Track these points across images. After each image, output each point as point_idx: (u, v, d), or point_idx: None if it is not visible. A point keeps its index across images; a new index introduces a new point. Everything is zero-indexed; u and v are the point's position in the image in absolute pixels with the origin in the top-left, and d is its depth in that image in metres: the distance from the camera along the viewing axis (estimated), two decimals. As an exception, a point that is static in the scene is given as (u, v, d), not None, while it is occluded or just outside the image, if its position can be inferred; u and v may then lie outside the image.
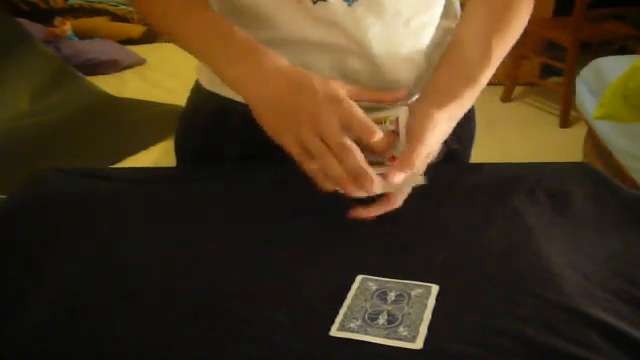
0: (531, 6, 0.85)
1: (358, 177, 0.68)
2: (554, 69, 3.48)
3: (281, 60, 0.74)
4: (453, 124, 0.78)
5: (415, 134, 0.72)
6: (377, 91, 0.78)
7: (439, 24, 0.87)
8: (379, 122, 0.73)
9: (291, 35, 0.81)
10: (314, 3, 0.78)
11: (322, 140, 0.68)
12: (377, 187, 0.69)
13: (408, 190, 0.77)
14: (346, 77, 0.83)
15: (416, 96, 0.87)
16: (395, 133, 0.73)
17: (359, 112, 0.69)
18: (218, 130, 0.93)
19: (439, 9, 0.87)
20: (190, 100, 0.99)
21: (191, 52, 0.81)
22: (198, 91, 0.96)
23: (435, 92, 0.78)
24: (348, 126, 0.68)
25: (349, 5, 0.79)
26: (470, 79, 0.79)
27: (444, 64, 0.82)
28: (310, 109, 0.69)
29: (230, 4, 0.82)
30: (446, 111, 0.75)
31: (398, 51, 0.84)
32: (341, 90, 0.71)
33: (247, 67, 0.74)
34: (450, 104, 0.76)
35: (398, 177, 0.69)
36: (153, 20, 0.84)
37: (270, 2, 0.80)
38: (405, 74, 0.86)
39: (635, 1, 3.28)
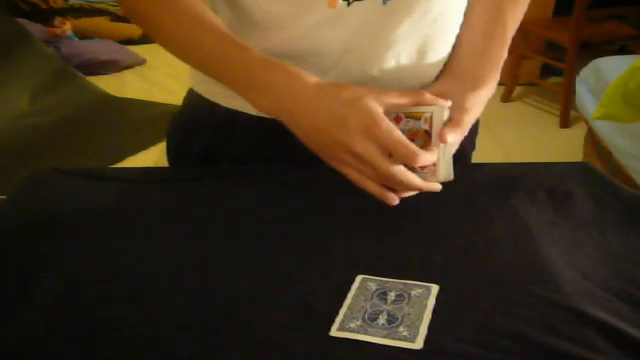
0: None
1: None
2: (554, 69, 3.48)
3: (306, 78, 0.71)
4: (482, 108, 0.79)
5: (459, 109, 0.73)
6: (415, 93, 0.74)
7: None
8: (415, 117, 0.72)
9: (307, 45, 0.80)
10: (349, 4, 0.77)
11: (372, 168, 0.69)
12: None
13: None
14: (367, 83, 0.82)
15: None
16: (427, 134, 0.72)
17: (397, 135, 0.68)
18: (220, 137, 0.92)
19: (464, 3, 0.86)
20: (187, 104, 0.97)
21: (214, 78, 0.79)
22: (194, 96, 0.94)
23: (464, 76, 0.79)
24: (388, 151, 0.68)
25: (384, 3, 0.77)
26: (492, 61, 0.81)
27: (463, 48, 0.83)
28: (346, 143, 0.68)
29: (242, 17, 0.80)
30: (480, 94, 0.77)
31: (426, 50, 0.83)
32: (376, 108, 0.68)
33: (276, 97, 0.72)
34: (483, 88, 0.78)
35: (452, 136, 0.71)
36: (166, 43, 0.80)
37: (294, 13, 0.78)
38: (431, 72, 0.86)
39: (635, 1, 3.28)
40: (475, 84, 0.78)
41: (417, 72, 0.85)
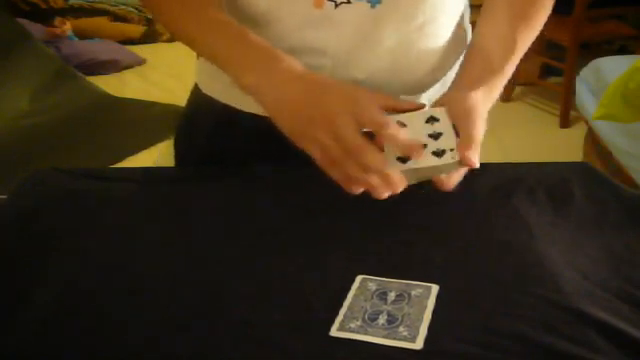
0: None
1: (383, 177, 0.67)
2: (554, 69, 3.48)
3: (299, 66, 0.73)
4: (487, 110, 0.78)
5: (468, 115, 0.71)
6: (401, 101, 0.74)
7: (457, 25, 0.88)
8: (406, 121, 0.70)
9: (296, 43, 0.81)
10: (336, 6, 0.78)
11: (340, 144, 0.67)
12: (401, 184, 0.68)
13: (462, 172, 0.74)
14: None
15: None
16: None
17: (372, 109, 0.68)
18: (220, 135, 0.93)
19: (457, 13, 0.87)
20: (190, 103, 0.99)
21: (206, 56, 0.80)
22: (198, 95, 0.95)
23: (465, 83, 0.78)
24: (362, 124, 0.67)
25: (372, 7, 0.78)
26: (497, 71, 0.80)
27: (471, 61, 0.82)
28: (325, 111, 0.68)
29: (235, 12, 0.81)
30: (480, 95, 0.76)
31: (413, 56, 0.84)
32: (360, 92, 0.70)
33: (265, 73, 0.73)
34: (482, 89, 0.77)
35: (473, 157, 0.67)
36: (167, 21, 0.83)
37: (281, 8, 0.79)
38: (418, 78, 0.87)
39: (635, 1, 3.28)
40: (470, 87, 0.76)
41: (403, 78, 0.86)
